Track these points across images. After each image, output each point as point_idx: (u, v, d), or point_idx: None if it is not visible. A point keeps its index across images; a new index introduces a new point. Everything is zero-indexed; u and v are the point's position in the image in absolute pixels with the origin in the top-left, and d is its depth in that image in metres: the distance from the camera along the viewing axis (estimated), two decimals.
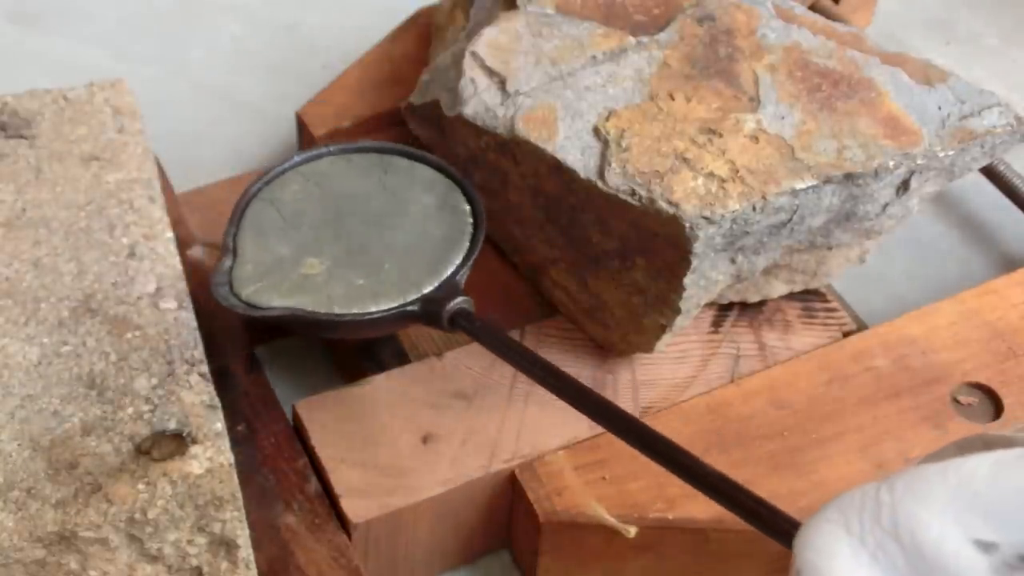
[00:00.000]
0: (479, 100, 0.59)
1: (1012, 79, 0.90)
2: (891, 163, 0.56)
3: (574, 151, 0.56)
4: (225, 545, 0.48)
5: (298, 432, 0.58)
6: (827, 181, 0.55)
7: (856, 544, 0.32)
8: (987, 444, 0.35)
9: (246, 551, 0.49)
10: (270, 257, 0.55)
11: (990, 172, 0.76)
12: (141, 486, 0.46)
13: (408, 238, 0.56)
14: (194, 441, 0.47)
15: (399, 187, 0.58)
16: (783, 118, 0.57)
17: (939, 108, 0.59)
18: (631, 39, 0.61)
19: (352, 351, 0.64)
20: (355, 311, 0.53)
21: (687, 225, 0.53)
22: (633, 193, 0.54)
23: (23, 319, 0.51)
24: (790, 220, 0.56)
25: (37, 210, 0.56)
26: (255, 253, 0.55)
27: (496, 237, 0.65)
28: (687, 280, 0.55)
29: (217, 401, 0.49)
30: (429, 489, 0.55)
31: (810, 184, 0.55)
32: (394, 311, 0.53)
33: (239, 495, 0.47)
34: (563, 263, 0.61)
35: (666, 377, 0.61)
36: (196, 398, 0.49)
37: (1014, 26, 0.95)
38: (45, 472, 0.46)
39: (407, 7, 0.81)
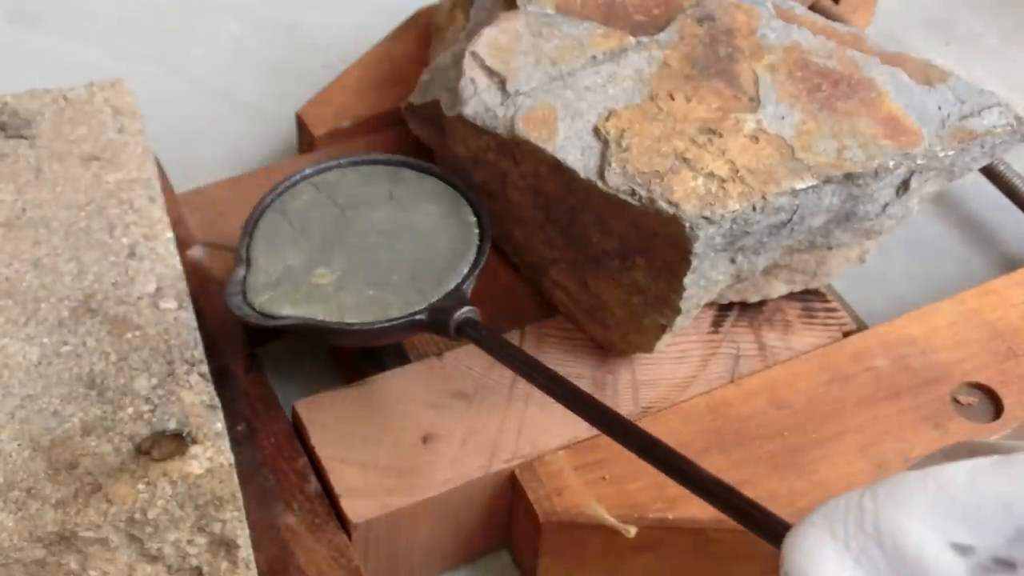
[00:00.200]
0: (479, 100, 0.59)
1: (1012, 79, 0.90)
2: (891, 163, 0.56)
3: (574, 151, 0.56)
4: (225, 545, 0.48)
5: (298, 432, 0.58)
6: (827, 181, 0.55)
7: (841, 548, 0.34)
8: (971, 451, 0.36)
9: (246, 551, 0.49)
10: (282, 267, 0.56)
11: (990, 172, 0.76)
12: (141, 486, 0.46)
13: (416, 249, 0.57)
14: (194, 441, 0.47)
15: (407, 198, 0.60)
16: (783, 118, 0.57)
17: (939, 108, 0.59)
18: (631, 39, 0.61)
19: (352, 351, 0.64)
20: (364, 320, 0.54)
21: (687, 225, 0.53)
22: (633, 193, 0.54)
23: (23, 319, 0.51)
24: (790, 220, 0.56)
25: (37, 210, 0.56)
26: (267, 263, 0.56)
27: (496, 237, 0.65)
28: (687, 280, 0.55)
29: (217, 401, 0.49)
30: (429, 489, 0.55)
31: (810, 184, 0.55)
32: (402, 320, 0.54)
33: (239, 495, 0.47)
34: (563, 263, 0.61)
35: (666, 377, 0.61)
36: (196, 398, 0.49)
37: (1014, 26, 0.95)
38: (45, 472, 0.46)
39: (407, 7, 0.81)
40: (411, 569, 0.58)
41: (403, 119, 0.68)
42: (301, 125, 0.74)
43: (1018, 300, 0.65)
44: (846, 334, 0.64)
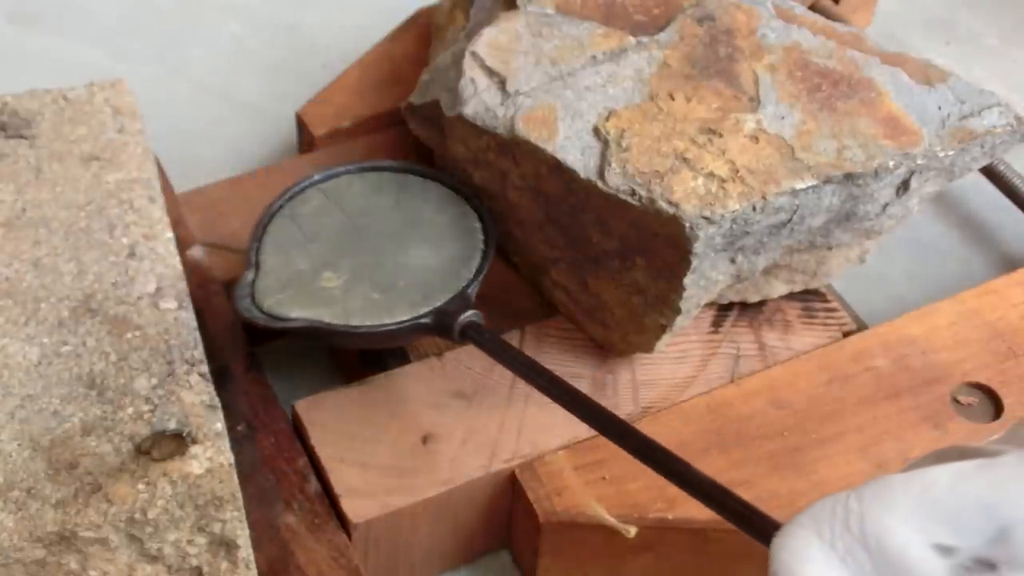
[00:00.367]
0: (479, 100, 0.59)
1: (1012, 79, 0.90)
2: (891, 163, 0.56)
3: (574, 151, 0.56)
4: (225, 545, 0.48)
5: (298, 432, 0.58)
6: (827, 181, 0.55)
7: (827, 549, 0.35)
8: (961, 454, 0.37)
9: (246, 551, 0.49)
10: (290, 271, 0.57)
11: (990, 172, 0.76)
12: (141, 486, 0.46)
13: (422, 253, 0.58)
14: (194, 441, 0.47)
15: (414, 204, 0.61)
16: (783, 118, 0.57)
17: (939, 108, 0.59)
18: (631, 39, 0.61)
19: (353, 352, 0.64)
20: (371, 323, 0.55)
21: (687, 225, 0.53)
22: (633, 193, 0.54)
23: (23, 319, 0.51)
24: (790, 220, 0.56)
25: (37, 210, 0.56)
26: (276, 267, 0.58)
27: (496, 238, 0.65)
28: (687, 280, 0.55)
29: (217, 401, 0.49)
30: (429, 489, 0.55)
31: (810, 184, 0.55)
32: (408, 323, 0.55)
33: (239, 495, 0.47)
34: (563, 263, 0.61)
35: (666, 377, 0.61)
36: (196, 398, 0.49)
37: (1014, 26, 0.95)
38: (45, 472, 0.46)
39: (407, 7, 0.81)
40: (411, 569, 0.58)
41: (403, 119, 0.68)
42: (301, 125, 0.74)
43: (1018, 300, 0.65)
44: (846, 334, 0.64)
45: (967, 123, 0.59)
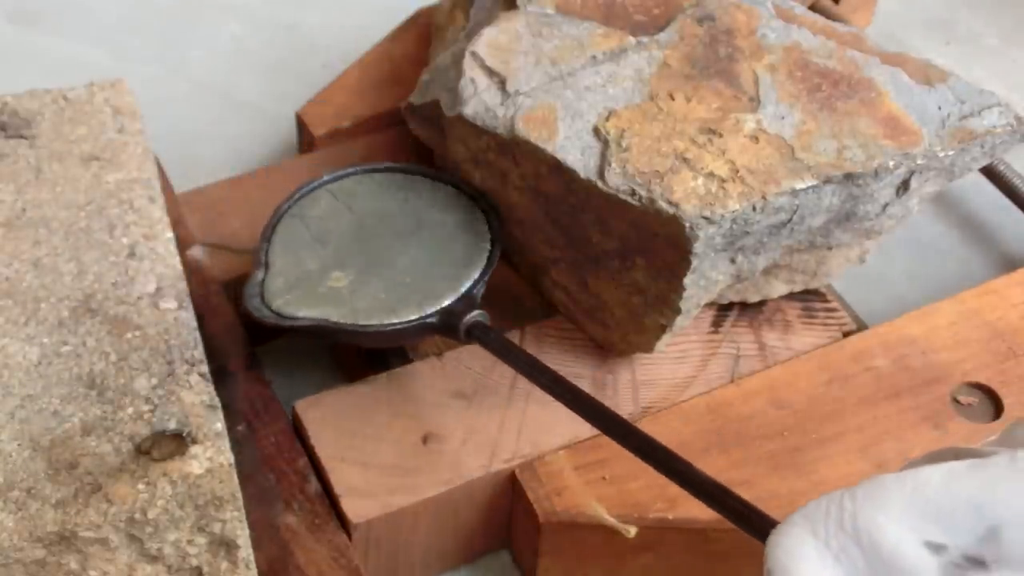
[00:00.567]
0: (479, 100, 0.59)
1: (1012, 79, 0.90)
2: (891, 163, 0.56)
3: (574, 151, 0.56)
4: (225, 545, 0.48)
5: (298, 432, 0.58)
6: (827, 181, 0.55)
7: (821, 547, 0.36)
8: (956, 455, 0.37)
9: (246, 551, 0.49)
10: (299, 270, 0.58)
11: (990, 172, 0.76)
12: (141, 486, 0.46)
13: (428, 254, 0.59)
14: (194, 441, 0.47)
15: (421, 205, 0.62)
16: (783, 118, 0.57)
17: (939, 108, 0.59)
18: (631, 39, 0.61)
19: (354, 351, 0.64)
20: (377, 323, 0.56)
21: (687, 225, 0.53)
22: (633, 193, 0.54)
23: (23, 319, 0.51)
24: (790, 220, 0.56)
25: (37, 210, 0.56)
26: (285, 266, 0.58)
27: None
28: (687, 280, 0.55)
29: (217, 401, 0.49)
30: (429, 489, 0.55)
31: (810, 184, 0.55)
32: (414, 323, 0.56)
33: (239, 495, 0.47)
34: (563, 263, 0.61)
35: (666, 377, 0.61)
36: (196, 398, 0.49)
37: (1014, 26, 0.95)
38: (45, 472, 0.46)
39: (407, 7, 0.81)
40: (411, 569, 0.58)
41: (403, 119, 0.68)
42: (301, 125, 0.74)
43: (1018, 300, 0.65)
44: (846, 334, 0.64)
45: (967, 123, 0.59)
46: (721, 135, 0.56)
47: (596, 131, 0.56)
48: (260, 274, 0.58)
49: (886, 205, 0.60)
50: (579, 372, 0.61)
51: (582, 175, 0.55)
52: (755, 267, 0.59)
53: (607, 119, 0.57)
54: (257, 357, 0.61)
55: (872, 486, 0.36)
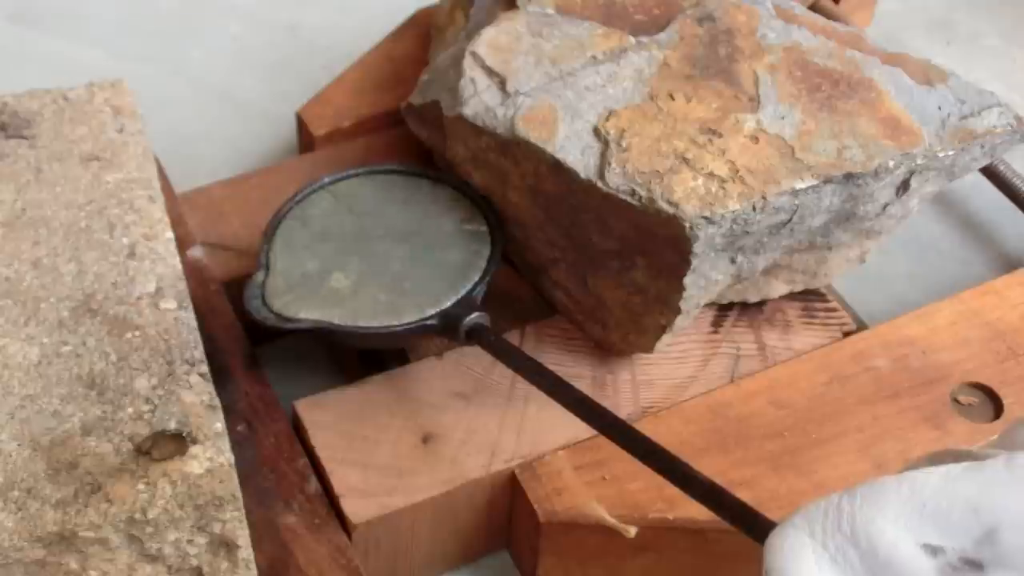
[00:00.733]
0: (479, 100, 0.59)
1: (1012, 79, 0.90)
2: (891, 163, 0.56)
3: (574, 151, 0.56)
4: (225, 545, 0.48)
5: (298, 432, 0.58)
6: (827, 181, 0.55)
7: (819, 548, 0.36)
8: (956, 457, 0.38)
9: (246, 551, 0.49)
10: (299, 272, 0.58)
11: (990, 172, 0.76)
12: (141, 486, 0.46)
13: (429, 255, 0.59)
14: (194, 441, 0.47)
15: (422, 207, 0.62)
16: (783, 118, 0.57)
17: (939, 108, 0.59)
18: (631, 39, 0.61)
19: (353, 351, 0.64)
20: (378, 324, 0.56)
21: (687, 225, 0.53)
22: (633, 193, 0.54)
23: (23, 319, 0.51)
24: (790, 220, 0.56)
25: (37, 210, 0.56)
26: (286, 268, 0.58)
27: None
28: (687, 280, 0.55)
29: (217, 401, 0.49)
30: (429, 489, 0.55)
31: (810, 184, 0.55)
32: (415, 325, 0.56)
33: (239, 495, 0.47)
34: (563, 263, 0.61)
35: (666, 377, 0.61)
36: (196, 398, 0.49)
37: (1014, 26, 0.95)
38: (45, 472, 0.46)
39: (407, 7, 0.81)
40: (411, 569, 0.58)
41: (403, 119, 0.68)
42: (301, 125, 0.74)
43: (1018, 300, 0.65)
44: (846, 334, 0.64)
45: (967, 123, 0.59)
46: (721, 135, 0.56)
47: (596, 131, 0.56)
48: (261, 275, 0.58)
49: (886, 205, 0.60)
50: (579, 372, 0.61)
51: (582, 175, 0.55)
52: (755, 267, 0.59)
53: (607, 119, 0.57)
54: (257, 357, 0.61)
55: (870, 488, 0.36)
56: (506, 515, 0.59)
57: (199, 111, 0.85)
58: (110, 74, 0.64)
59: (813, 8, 0.80)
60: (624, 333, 0.60)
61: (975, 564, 0.35)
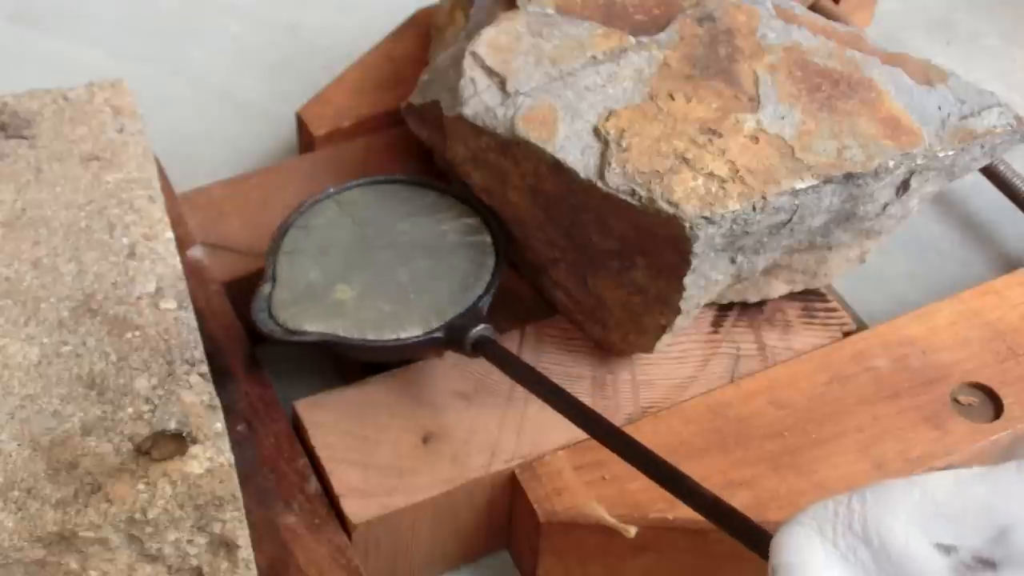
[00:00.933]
0: (479, 100, 0.59)
1: (1012, 79, 0.90)
2: (891, 163, 0.56)
3: (574, 151, 0.56)
4: (225, 545, 0.48)
5: (298, 432, 0.58)
6: (827, 181, 0.55)
7: (829, 547, 0.36)
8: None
9: (246, 551, 0.49)
10: (304, 284, 0.58)
11: (990, 172, 0.76)
12: (141, 486, 0.46)
13: (434, 267, 0.59)
14: (194, 441, 0.47)
15: (426, 218, 0.62)
16: (783, 118, 0.57)
17: (939, 108, 0.59)
18: (631, 39, 0.61)
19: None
20: (384, 337, 0.56)
21: (687, 225, 0.53)
22: (633, 193, 0.54)
23: (23, 319, 0.51)
24: (790, 220, 0.56)
25: (37, 210, 0.56)
26: (291, 280, 0.58)
27: None
28: (687, 280, 0.55)
29: (217, 401, 0.49)
30: (429, 489, 0.55)
31: (810, 184, 0.55)
32: (420, 337, 0.56)
33: (239, 495, 0.47)
34: (563, 263, 0.61)
35: (666, 377, 0.61)
36: (196, 398, 0.49)
37: (1014, 26, 0.95)
38: (45, 472, 0.46)
39: (407, 7, 0.81)
40: (411, 569, 0.58)
41: (403, 119, 0.68)
42: (301, 125, 0.74)
43: (1018, 300, 0.65)
44: (846, 334, 0.64)
45: (967, 123, 0.59)
46: (721, 135, 0.56)
47: (596, 131, 0.56)
48: (267, 288, 0.58)
49: (886, 205, 0.60)
50: (579, 372, 0.61)
51: (582, 175, 0.55)
52: (755, 267, 0.59)
53: (607, 119, 0.57)
54: (257, 357, 0.61)
55: (880, 489, 0.37)
56: (506, 515, 0.59)
57: (199, 111, 0.85)
58: (110, 74, 0.64)
59: (813, 8, 0.80)
60: (624, 333, 0.60)
61: (988, 563, 0.35)
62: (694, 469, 0.53)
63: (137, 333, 0.51)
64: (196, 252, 0.64)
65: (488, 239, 0.61)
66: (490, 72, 0.59)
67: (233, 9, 0.93)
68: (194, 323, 0.52)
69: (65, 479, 0.46)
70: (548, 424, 0.58)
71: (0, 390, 0.48)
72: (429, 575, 0.60)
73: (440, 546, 0.58)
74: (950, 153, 0.58)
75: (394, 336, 0.56)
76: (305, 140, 0.74)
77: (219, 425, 0.48)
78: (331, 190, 0.63)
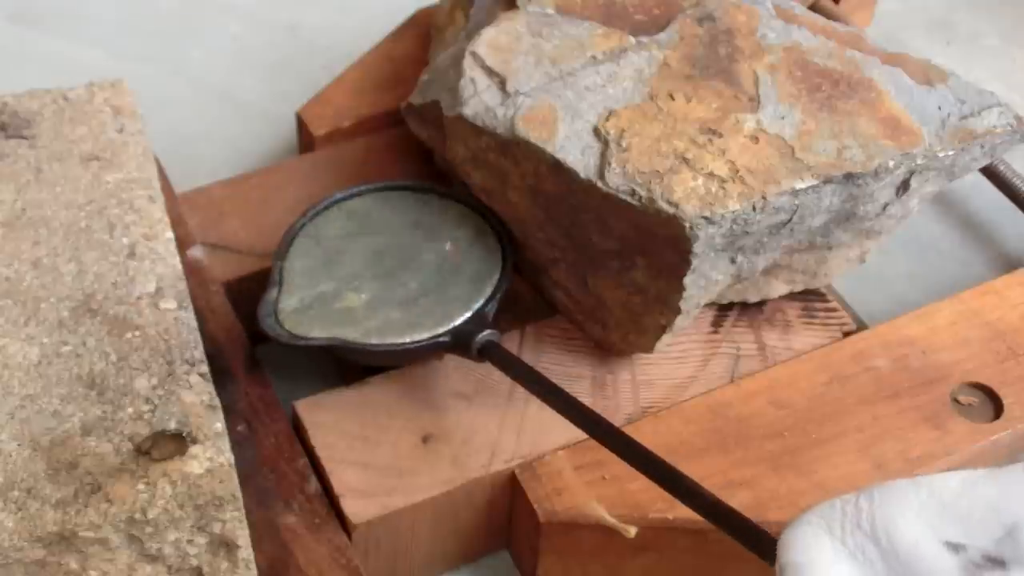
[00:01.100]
0: (479, 100, 0.59)
1: (1012, 79, 0.90)
2: (891, 163, 0.56)
3: (574, 151, 0.56)
4: (225, 545, 0.48)
5: (298, 432, 0.58)
6: (827, 181, 0.55)
7: (837, 545, 0.37)
8: None
9: (246, 551, 0.49)
10: (312, 289, 0.58)
11: (990, 172, 0.76)
12: (141, 486, 0.46)
13: (440, 272, 0.59)
14: (194, 441, 0.47)
15: (433, 223, 0.62)
16: (783, 118, 0.57)
17: (939, 108, 0.59)
18: (631, 39, 0.61)
19: None
20: (391, 342, 0.56)
21: (687, 225, 0.53)
22: (633, 193, 0.54)
23: (23, 319, 0.51)
24: (790, 220, 0.56)
25: (37, 210, 0.56)
26: (298, 285, 0.59)
27: None
28: (687, 280, 0.55)
29: (217, 401, 0.49)
30: (429, 489, 0.55)
31: (810, 184, 0.55)
32: (427, 342, 0.57)
33: (239, 495, 0.47)
34: (563, 263, 0.61)
35: (666, 377, 0.61)
36: (196, 398, 0.49)
37: (1014, 26, 0.95)
38: (45, 472, 0.46)
39: (407, 7, 0.81)
40: (411, 569, 0.58)
41: (403, 119, 0.68)
42: (301, 125, 0.74)
43: (1018, 300, 0.65)
44: (846, 334, 0.64)
45: (967, 123, 0.59)
46: (721, 135, 0.56)
47: (596, 131, 0.56)
48: (274, 292, 0.58)
49: (886, 205, 0.60)
50: (579, 372, 0.61)
51: (582, 175, 0.55)
52: (755, 267, 0.59)
53: (607, 119, 0.57)
54: (257, 357, 0.61)
55: (889, 488, 0.37)
56: (506, 515, 0.59)
57: (199, 111, 0.85)
58: (110, 74, 0.64)
59: (813, 8, 0.80)
60: (624, 333, 0.60)
61: (997, 561, 0.35)
62: (694, 469, 0.53)
63: (137, 333, 0.51)
64: (196, 252, 0.64)
65: (494, 245, 0.61)
66: (490, 72, 0.59)
67: (233, 9, 0.93)
68: (194, 323, 0.52)
69: (65, 479, 0.46)
70: (548, 424, 0.58)
71: (0, 390, 0.48)
72: (429, 575, 0.60)
73: (440, 546, 0.58)
74: (950, 153, 0.58)
75: (401, 341, 0.56)
76: (305, 140, 0.74)
77: (219, 425, 0.48)
78: (338, 195, 0.63)
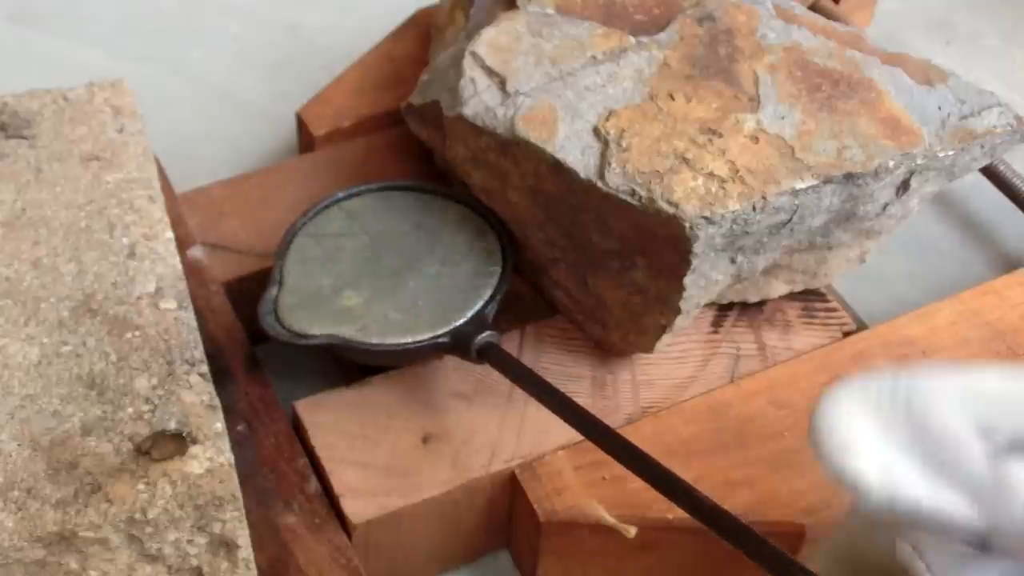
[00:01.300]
0: (479, 100, 0.59)
1: (1012, 79, 0.90)
2: (891, 163, 0.56)
3: (574, 151, 0.56)
4: (225, 545, 0.48)
5: (298, 432, 0.58)
6: (827, 181, 0.55)
7: (872, 412, 0.38)
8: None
9: (246, 551, 0.49)
10: (312, 288, 0.58)
11: (990, 172, 0.76)
12: (141, 486, 0.46)
13: (440, 273, 0.59)
14: (194, 441, 0.47)
15: (434, 224, 0.62)
16: (783, 118, 0.57)
17: (939, 108, 0.59)
18: (631, 39, 0.61)
19: None
20: (390, 342, 0.56)
21: (687, 225, 0.53)
22: (633, 193, 0.54)
23: (23, 319, 0.51)
24: (790, 220, 0.56)
25: (37, 210, 0.56)
26: (298, 284, 0.59)
27: None
28: (687, 280, 0.55)
29: (217, 401, 0.49)
30: (429, 489, 0.55)
31: (810, 184, 0.55)
32: (426, 343, 0.57)
33: (239, 495, 0.47)
34: (563, 263, 0.61)
35: (666, 377, 0.61)
36: (196, 398, 0.49)
37: (1014, 26, 0.95)
38: (45, 472, 0.46)
39: (407, 7, 0.81)
40: (411, 569, 0.58)
41: (403, 119, 0.68)
42: (301, 125, 0.74)
43: (1018, 300, 0.65)
44: (846, 334, 0.64)
45: (967, 123, 0.59)
46: (721, 135, 0.56)
47: (596, 131, 0.56)
48: (274, 291, 0.58)
49: (886, 205, 0.60)
50: (579, 372, 0.61)
51: (582, 175, 0.55)
52: (755, 267, 0.59)
53: (607, 119, 0.57)
54: (257, 357, 0.61)
55: (929, 369, 0.38)
56: (506, 515, 0.59)
57: (199, 111, 0.85)
58: (110, 74, 0.64)
59: (813, 8, 0.80)
60: (624, 333, 0.60)
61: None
62: (694, 469, 0.53)
63: (137, 333, 0.51)
64: (196, 252, 0.64)
65: (495, 245, 0.61)
66: (490, 72, 0.59)
67: (233, 9, 0.93)
68: (194, 323, 0.52)
69: (65, 479, 0.46)
70: (548, 424, 0.58)
71: (0, 390, 0.48)
72: (429, 575, 0.60)
73: (440, 546, 0.58)
74: (950, 153, 0.58)
75: (400, 342, 0.56)
76: (305, 140, 0.74)
77: (219, 425, 0.48)
78: (340, 195, 0.63)
